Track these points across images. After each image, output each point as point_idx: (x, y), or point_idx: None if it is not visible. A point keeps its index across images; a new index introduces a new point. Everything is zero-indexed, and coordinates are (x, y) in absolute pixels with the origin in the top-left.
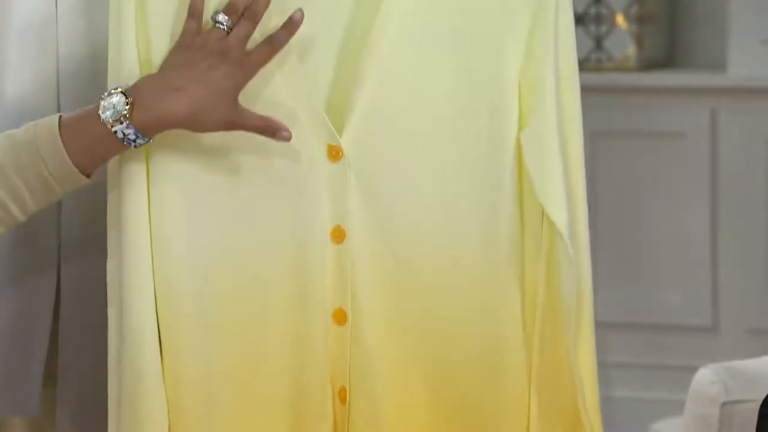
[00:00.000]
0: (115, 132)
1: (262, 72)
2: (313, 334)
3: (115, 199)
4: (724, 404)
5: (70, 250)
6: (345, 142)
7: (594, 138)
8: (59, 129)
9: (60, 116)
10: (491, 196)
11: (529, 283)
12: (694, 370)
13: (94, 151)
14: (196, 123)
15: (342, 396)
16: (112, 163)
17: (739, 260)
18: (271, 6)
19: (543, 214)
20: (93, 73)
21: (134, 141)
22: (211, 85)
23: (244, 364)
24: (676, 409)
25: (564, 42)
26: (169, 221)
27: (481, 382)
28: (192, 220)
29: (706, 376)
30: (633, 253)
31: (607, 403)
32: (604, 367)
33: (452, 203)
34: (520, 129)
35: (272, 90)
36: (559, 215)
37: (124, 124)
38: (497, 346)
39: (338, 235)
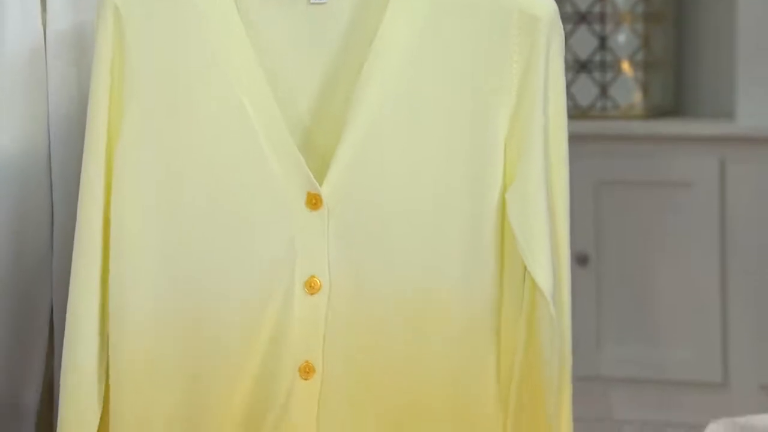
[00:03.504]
0: None
1: (240, 114)
2: (277, 387)
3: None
4: None
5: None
6: (325, 190)
7: (599, 187)
8: None
9: None
10: (472, 255)
11: (506, 343)
12: (703, 427)
13: None
14: None
15: None
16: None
17: (750, 314)
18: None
19: (525, 272)
20: (83, 116)
21: None
22: None
23: (195, 412)
24: None
25: (554, 97)
26: (130, 256)
27: None
28: (155, 256)
29: None
30: (639, 307)
31: None
32: (611, 423)
33: (432, 260)
34: (505, 186)
35: (250, 135)
36: (542, 275)
37: None
38: (471, 408)
39: (312, 286)
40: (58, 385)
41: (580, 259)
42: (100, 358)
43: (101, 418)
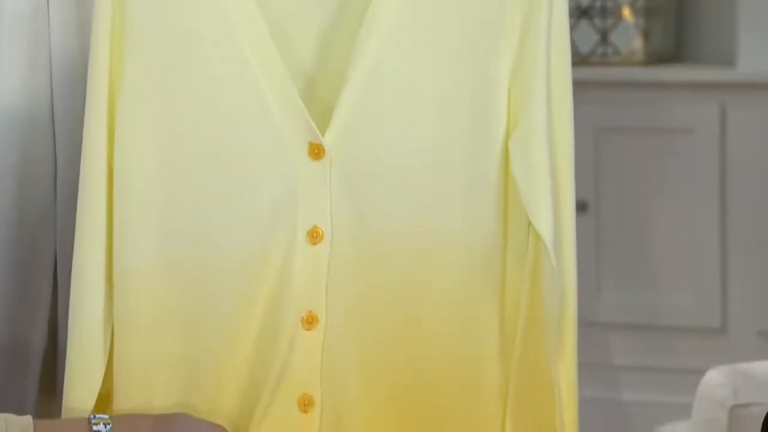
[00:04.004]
0: None
1: (242, 65)
2: (279, 337)
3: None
4: (732, 408)
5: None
6: (328, 140)
7: (599, 134)
8: None
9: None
10: (476, 204)
11: (510, 293)
12: (702, 372)
13: None
14: None
15: (306, 403)
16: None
17: (749, 259)
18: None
19: (529, 222)
20: (85, 66)
21: None
22: None
23: (198, 363)
24: (683, 412)
25: (557, 42)
26: (133, 206)
27: (455, 393)
28: (157, 206)
29: (714, 379)
30: (639, 253)
31: (613, 406)
32: (610, 369)
33: (435, 208)
34: (508, 133)
35: (252, 85)
36: (544, 225)
37: None
38: (474, 357)
39: (315, 236)
40: (63, 325)
41: (579, 206)
42: (106, 307)
43: (109, 372)
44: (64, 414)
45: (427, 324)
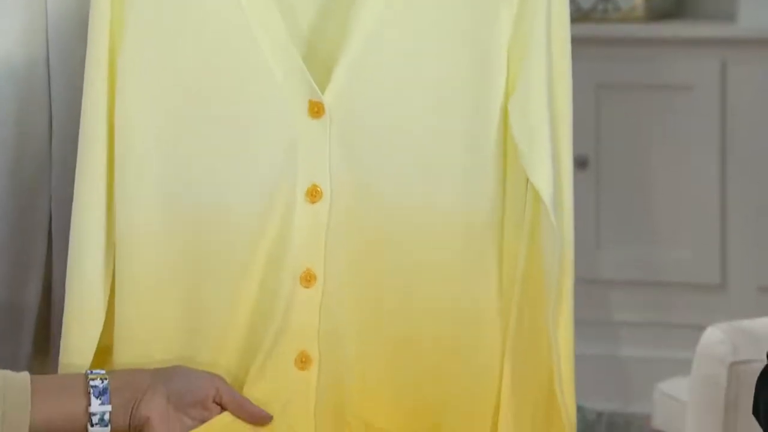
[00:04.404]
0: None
1: (243, 23)
2: (278, 295)
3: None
4: (732, 364)
5: (61, 215)
6: (328, 98)
7: (599, 90)
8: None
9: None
10: (474, 163)
11: (508, 253)
12: (702, 328)
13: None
14: None
15: (304, 361)
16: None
17: (749, 215)
18: None
19: (527, 182)
20: (82, 25)
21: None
22: None
23: (195, 318)
24: (683, 368)
25: (557, 1)
26: (134, 165)
27: (453, 353)
28: (158, 164)
29: (714, 336)
30: (639, 209)
31: (613, 362)
32: (610, 325)
33: (434, 168)
34: (507, 96)
35: (252, 44)
36: (543, 184)
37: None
38: (472, 316)
39: (314, 194)
40: (57, 284)
41: (579, 163)
42: (105, 266)
43: (105, 325)
44: (60, 370)
45: (426, 283)
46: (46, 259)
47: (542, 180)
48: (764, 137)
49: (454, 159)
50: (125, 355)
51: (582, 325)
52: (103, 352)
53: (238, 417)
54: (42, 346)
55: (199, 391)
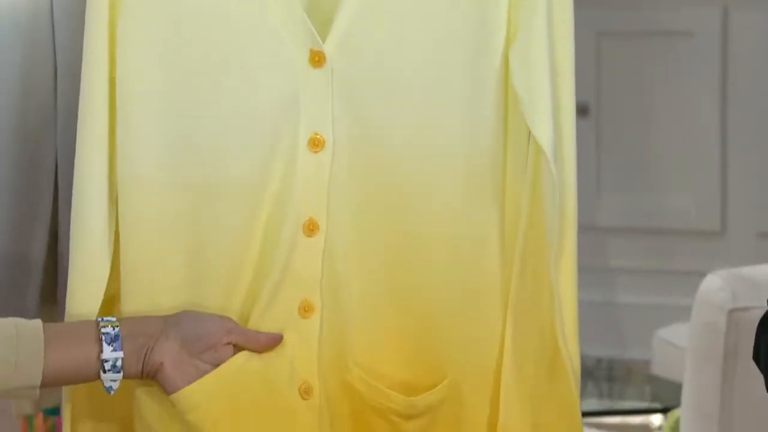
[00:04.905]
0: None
1: None
2: (280, 243)
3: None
4: (731, 311)
5: (66, 167)
6: (329, 47)
7: (599, 38)
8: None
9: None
10: (476, 113)
11: (510, 204)
12: (701, 275)
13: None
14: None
15: (306, 309)
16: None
17: (749, 163)
18: None
19: (529, 132)
20: None
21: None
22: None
23: (200, 266)
24: (682, 314)
25: None
26: (136, 117)
27: (456, 303)
28: (160, 115)
29: (713, 283)
30: (639, 157)
31: (611, 308)
32: (609, 272)
33: (435, 118)
34: (508, 44)
35: None
36: (544, 134)
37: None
38: (474, 264)
39: (316, 143)
40: (63, 234)
41: (580, 110)
42: (109, 220)
43: (112, 278)
44: (67, 319)
45: (428, 232)
46: (52, 211)
47: (542, 129)
48: (766, 84)
49: (455, 108)
50: (132, 304)
51: (582, 272)
52: (110, 302)
53: (253, 351)
54: (49, 296)
55: (211, 336)
